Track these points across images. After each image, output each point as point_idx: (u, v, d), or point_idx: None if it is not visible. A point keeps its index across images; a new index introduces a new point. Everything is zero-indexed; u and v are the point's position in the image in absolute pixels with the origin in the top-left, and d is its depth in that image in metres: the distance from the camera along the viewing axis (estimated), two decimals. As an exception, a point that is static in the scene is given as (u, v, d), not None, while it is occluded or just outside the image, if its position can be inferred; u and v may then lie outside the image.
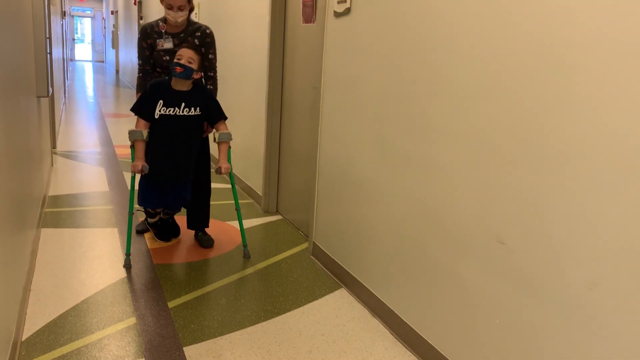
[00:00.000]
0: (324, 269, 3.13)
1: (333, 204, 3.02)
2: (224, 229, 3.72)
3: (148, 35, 3.17)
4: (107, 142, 6.52)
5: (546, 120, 1.64)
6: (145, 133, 2.89)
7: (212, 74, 3.27)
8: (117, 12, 17.90)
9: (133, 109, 2.93)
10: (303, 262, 3.22)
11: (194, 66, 2.83)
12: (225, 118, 3.08)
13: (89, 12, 26.23)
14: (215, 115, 3.02)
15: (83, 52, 26.94)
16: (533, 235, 1.71)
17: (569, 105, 1.56)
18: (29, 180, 2.98)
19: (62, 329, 2.33)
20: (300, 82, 3.68)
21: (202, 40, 3.20)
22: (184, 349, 2.24)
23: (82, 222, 3.65)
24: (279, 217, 4.08)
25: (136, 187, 3.07)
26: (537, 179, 1.68)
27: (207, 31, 3.23)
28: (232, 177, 3.20)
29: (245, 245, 3.27)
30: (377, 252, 2.60)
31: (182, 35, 3.18)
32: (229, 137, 3.03)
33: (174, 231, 3.44)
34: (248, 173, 4.56)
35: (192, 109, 2.91)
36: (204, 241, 3.37)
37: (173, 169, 2.96)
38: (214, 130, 3.08)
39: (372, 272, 2.64)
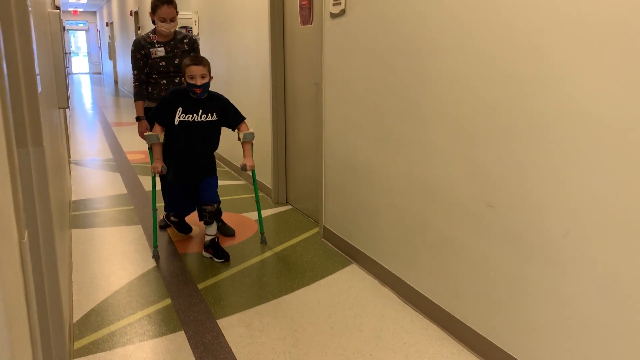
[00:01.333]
0: (335, 248, 3.42)
1: (340, 190, 3.31)
2: (240, 220, 4.00)
3: (142, 47, 3.49)
4: (117, 149, 6.80)
5: (521, 99, 1.92)
6: (161, 136, 3.17)
7: None
8: (112, 23, 18.17)
9: (152, 115, 3.21)
10: (315, 244, 3.51)
11: (208, 78, 3.08)
12: (245, 118, 3.33)
13: (82, 25, 26.51)
14: (234, 119, 3.28)
15: (79, 64, 27.21)
16: (516, 197, 1.99)
17: (540, 84, 1.84)
18: (62, 186, 3.26)
19: (106, 311, 2.62)
20: (302, 79, 3.96)
21: (191, 46, 3.61)
22: (217, 321, 2.52)
23: (107, 221, 3.94)
24: (289, 207, 4.37)
25: (158, 186, 3.37)
26: (517, 150, 1.96)
27: (194, 38, 3.63)
28: (254, 173, 3.51)
29: (262, 233, 3.56)
30: (382, 228, 2.88)
31: (172, 42, 3.54)
32: (252, 136, 3.30)
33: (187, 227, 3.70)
34: (257, 168, 4.84)
35: (209, 114, 3.17)
36: (227, 229, 3.67)
37: (197, 169, 3.22)
38: (237, 130, 3.32)
39: (380, 246, 2.93)
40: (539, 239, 1.91)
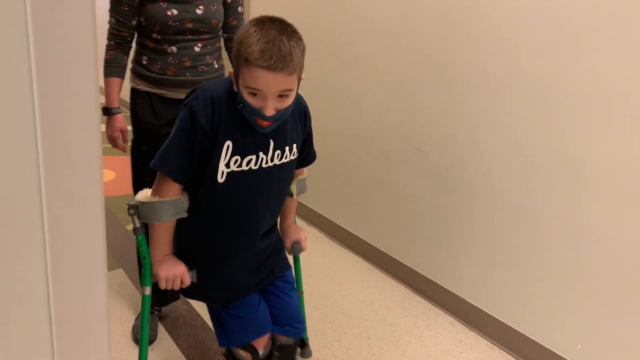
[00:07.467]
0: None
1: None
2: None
3: None
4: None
5: (450, 52, 2.15)
6: (186, 204, 1.32)
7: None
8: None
9: (159, 163, 1.27)
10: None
11: (293, 95, 1.37)
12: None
13: None
14: (308, 154, 1.56)
15: None
16: (443, 141, 2.25)
17: (466, 38, 2.08)
18: None
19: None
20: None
21: None
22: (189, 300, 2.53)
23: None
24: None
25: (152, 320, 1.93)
26: (445, 97, 2.21)
27: None
28: (297, 258, 1.77)
29: (305, 340, 1.57)
30: (315, 175, 3.04)
31: None
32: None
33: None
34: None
35: (287, 149, 1.40)
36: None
37: (262, 265, 1.47)
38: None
39: (311, 191, 3.09)
40: (463, 178, 2.20)
